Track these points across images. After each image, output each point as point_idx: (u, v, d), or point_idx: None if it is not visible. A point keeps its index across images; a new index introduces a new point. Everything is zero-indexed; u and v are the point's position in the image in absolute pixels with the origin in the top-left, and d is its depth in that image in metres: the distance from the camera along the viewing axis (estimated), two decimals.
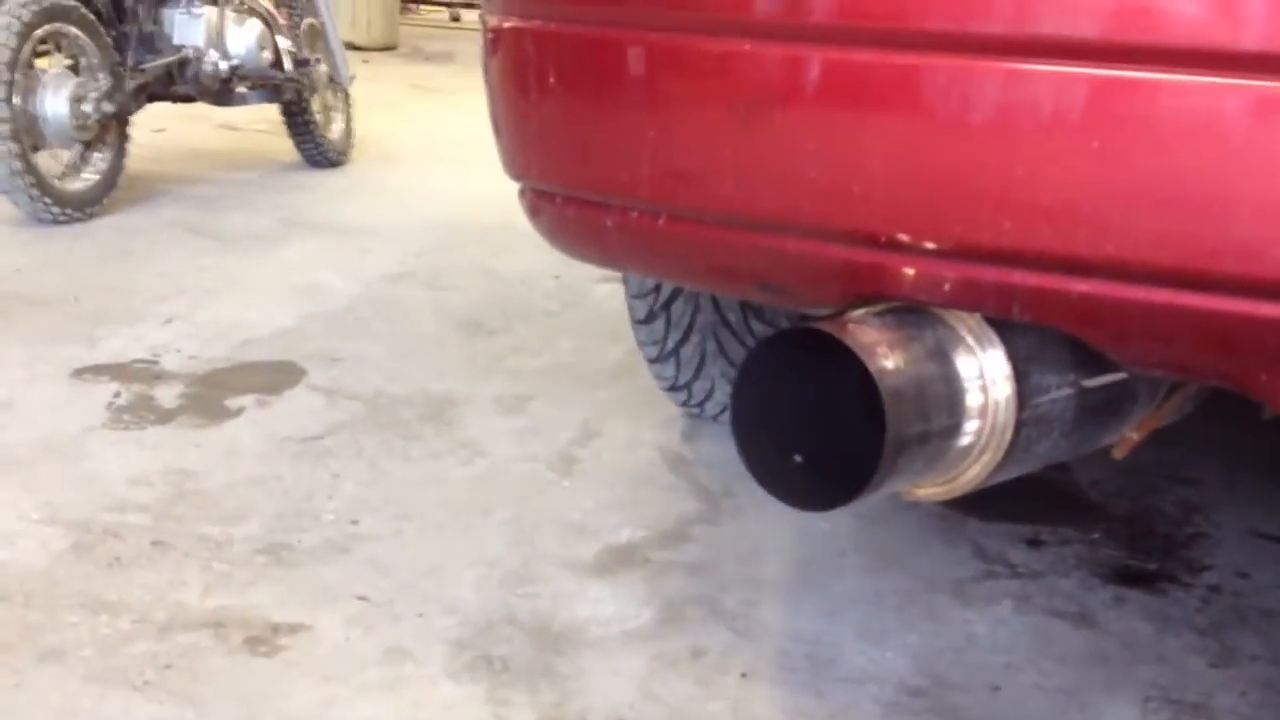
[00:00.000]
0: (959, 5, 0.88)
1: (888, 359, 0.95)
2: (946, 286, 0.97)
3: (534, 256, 3.07)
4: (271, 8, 3.66)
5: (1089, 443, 1.14)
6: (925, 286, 0.98)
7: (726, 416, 2.04)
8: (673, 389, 2.01)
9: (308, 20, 3.95)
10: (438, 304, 2.68)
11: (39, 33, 2.90)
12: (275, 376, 2.17)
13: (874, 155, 0.94)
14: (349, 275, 2.85)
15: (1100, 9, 0.84)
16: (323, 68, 4.00)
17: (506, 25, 1.17)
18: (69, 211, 3.01)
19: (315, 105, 3.96)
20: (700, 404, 2.03)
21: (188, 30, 3.33)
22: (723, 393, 1.98)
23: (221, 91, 3.47)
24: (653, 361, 1.98)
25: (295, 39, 3.76)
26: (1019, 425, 1.02)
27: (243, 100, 3.56)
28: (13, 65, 2.81)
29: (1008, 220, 0.91)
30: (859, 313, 1.02)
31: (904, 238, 0.96)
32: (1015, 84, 0.88)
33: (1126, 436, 1.18)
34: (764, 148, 0.99)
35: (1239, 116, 0.82)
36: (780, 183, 0.99)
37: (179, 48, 3.33)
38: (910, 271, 0.97)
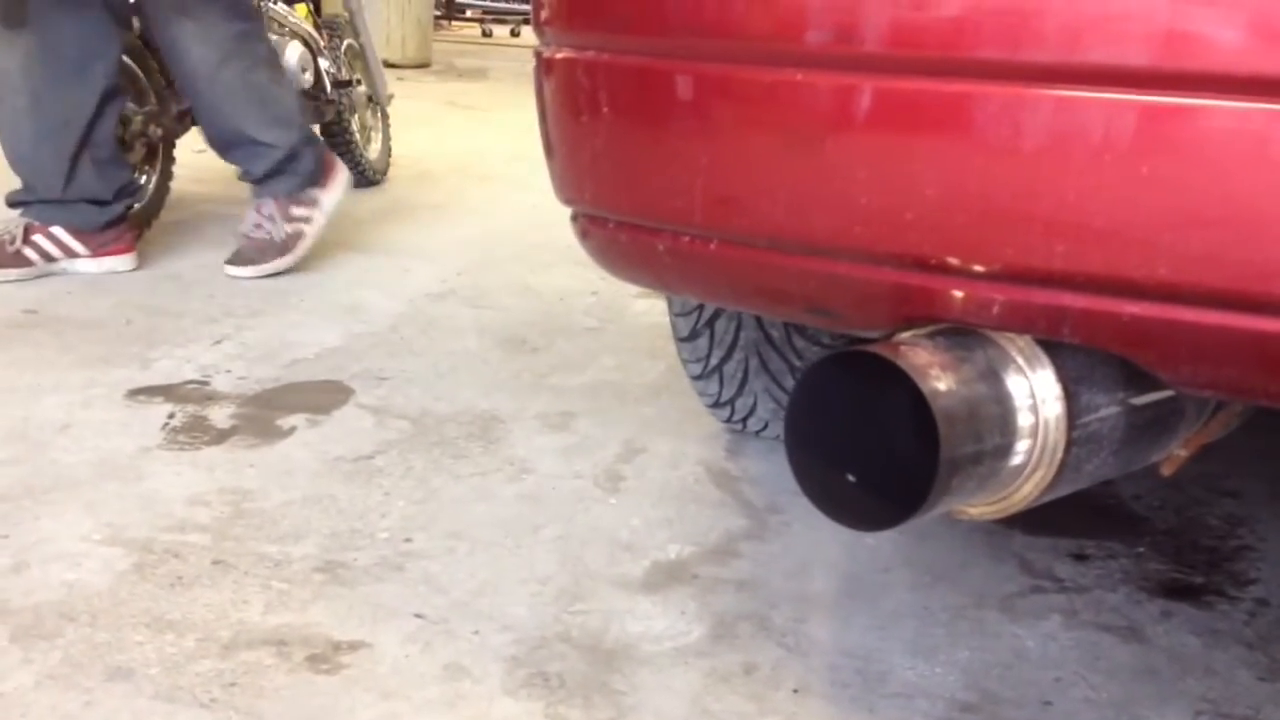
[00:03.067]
0: (1009, 34, 0.90)
1: (940, 381, 0.96)
2: (997, 309, 0.99)
3: (572, 273, 3.11)
4: (312, 29, 3.71)
5: (1138, 460, 1.15)
6: (976, 309, 1.00)
7: (769, 432, 2.06)
8: (716, 405, 2.04)
9: (347, 41, 4.00)
10: (480, 322, 2.71)
11: None
12: (324, 396, 2.20)
13: (926, 181, 0.96)
14: (392, 294, 2.89)
15: (1148, 37, 0.86)
16: (362, 88, 4.05)
17: (559, 55, 1.20)
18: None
19: (354, 125, 4.01)
20: (743, 420, 2.05)
21: None
22: (765, 409, 2.00)
23: None
24: (696, 378, 2.00)
25: (335, 60, 3.81)
26: (1070, 444, 1.04)
27: None
28: None
29: (1059, 244, 0.92)
30: (910, 335, 1.04)
31: (955, 262, 0.98)
32: (1066, 111, 0.90)
33: (1174, 454, 1.20)
34: (816, 175, 1.01)
35: None
36: (832, 209, 1.01)
37: None
38: (961, 294, 0.99)
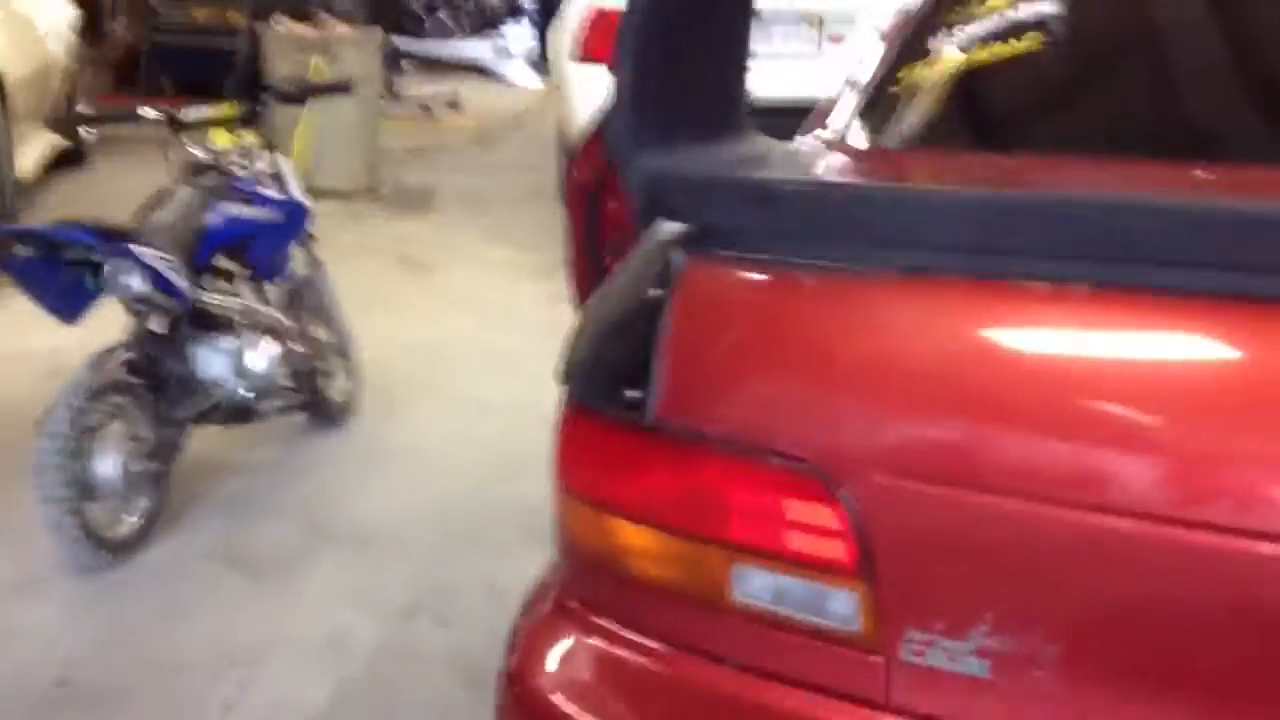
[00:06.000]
0: None
1: None
2: None
3: (535, 560, 3.49)
4: (282, 316, 4.05)
5: None
6: None
7: None
8: None
9: (313, 301, 4.32)
10: (449, 649, 3.11)
11: (91, 408, 3.31)
12: None
13: None
14: (367, 609, 3.29)
15: None
16: (326, 336, 4.38)
17: None
18: (113, 556, 3.43)
19: (319, 371, 4.34)
20: None
21: (213, 366, 3.72)
22: None
23: (246, 413, 3.88)
24: None
25: (306, 341, 4.14)
26: None
27: (265, 416, 3.97)
28: (65, 451, 3.22)
29: None
30: None
31: None
32: None
33: None
34: None
35: None
36: None
37: (204, 382, 3.73)
38: None
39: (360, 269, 5.96)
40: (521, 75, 15.01)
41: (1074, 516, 1.27)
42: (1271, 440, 1.21)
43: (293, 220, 4.03)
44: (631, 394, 1.51)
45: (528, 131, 11.21)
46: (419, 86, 12.56)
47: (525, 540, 3.63)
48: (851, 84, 2.15)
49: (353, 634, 3.21)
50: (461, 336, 5.65)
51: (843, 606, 1.41)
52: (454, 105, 12.39)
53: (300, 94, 4.20)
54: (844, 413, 1.39)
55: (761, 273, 1.49)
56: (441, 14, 15.28)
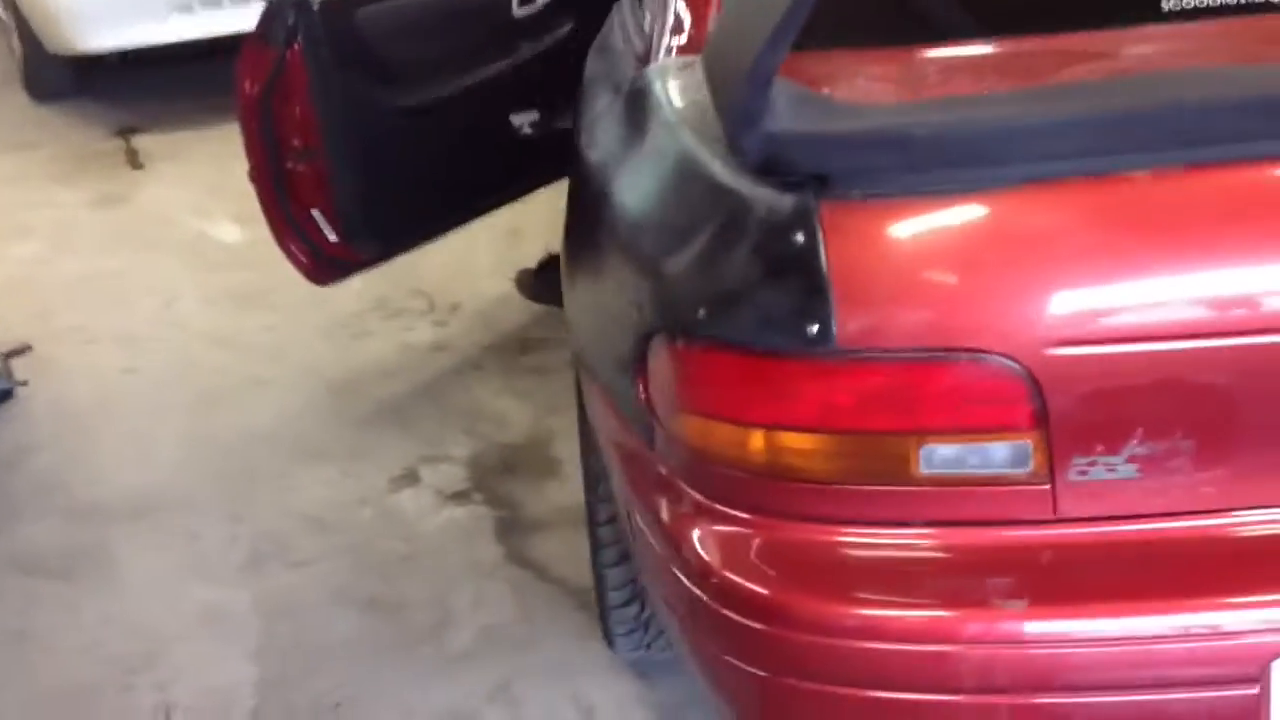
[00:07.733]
0: None
1: None
2: None
3: (323, 480, 3.53)
4: None
5: None
6: None
7: None
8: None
9: None
10: (328, 589, 3.15)
11: None
12: None
13: None
14: (214, 577, 3.22)
15: None
16: None
17: None
18: None
19: None
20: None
21: None
22: None
23: None
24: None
25: None
26: None
27: None
28: None
29: None
30: None
31: None
32: None
33: None
34: None
35: None
36: None
37: None
38: None
39: None
40: None
41: (1205, 342, 1.77)
42: None
43: None
44: (810, 328, 1.79)
45: None
46: None
47: (295, 461, 3.67)
48: None
49: (222, 605, 3.14)
50: (35, 268, 5.09)
51: (1020, 456, 1.84)
52: None
53: None
54: (1010, 305, 1.78)
55: (898, 204, 1.80)
56: None
